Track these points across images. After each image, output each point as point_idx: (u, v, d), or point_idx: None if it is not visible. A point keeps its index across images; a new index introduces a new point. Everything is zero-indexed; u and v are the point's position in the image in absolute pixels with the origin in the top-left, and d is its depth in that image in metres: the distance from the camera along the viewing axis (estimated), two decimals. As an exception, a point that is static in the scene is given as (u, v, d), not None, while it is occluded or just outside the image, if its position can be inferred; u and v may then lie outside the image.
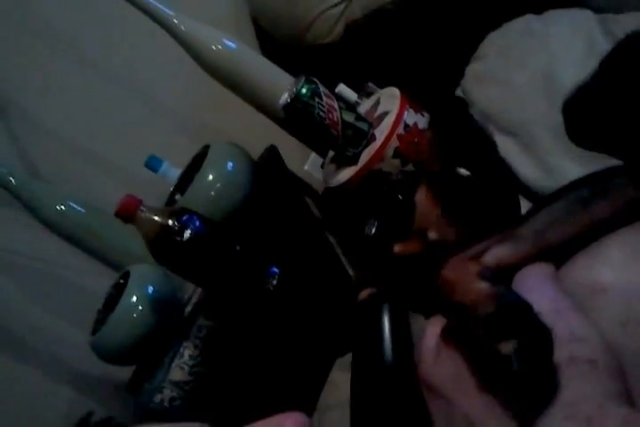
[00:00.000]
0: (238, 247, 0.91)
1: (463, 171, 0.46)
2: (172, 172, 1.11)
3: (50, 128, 1.22)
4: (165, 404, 0.91)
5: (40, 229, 1.04)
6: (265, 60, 1.12)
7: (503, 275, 0.46)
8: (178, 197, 1.05)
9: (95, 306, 1.01)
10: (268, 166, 1.10)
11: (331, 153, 1.11)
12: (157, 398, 0.91)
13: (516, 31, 0.94)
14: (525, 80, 0.86)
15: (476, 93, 0.91)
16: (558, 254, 0.48)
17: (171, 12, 1.03)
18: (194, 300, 1.00)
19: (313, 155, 1.41)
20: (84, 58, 1.28)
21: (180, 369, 0.92)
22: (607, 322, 0.43)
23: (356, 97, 1.13)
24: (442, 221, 0.50)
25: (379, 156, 0.96)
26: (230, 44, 1.06)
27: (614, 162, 0.50)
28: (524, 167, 0.82)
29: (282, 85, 1.03)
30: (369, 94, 1.12)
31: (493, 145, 0.47)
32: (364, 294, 0.62)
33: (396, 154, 0.95)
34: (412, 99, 1.00)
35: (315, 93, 0.97)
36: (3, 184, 1.02)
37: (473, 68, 0.96)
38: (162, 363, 0.93)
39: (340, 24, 1.27)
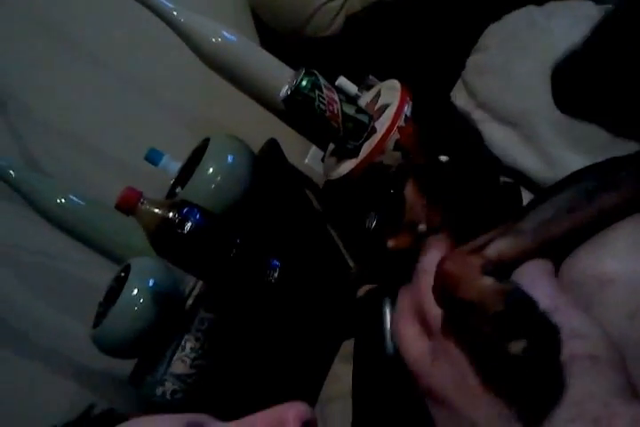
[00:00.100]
0: (239, 240, 0.91)
1: (443, 157, 0.45)
2: (173, 165, 1.11)
3: (50, 121, 1.21)
4: (167, 397, 0.91)
5: (40, 223, 1.04)
6: (265, 52, 1.11)
7: (505, 269, 0.45)
8: (178, 190, 1.05)
9: (96, 299, 1.01)
10: (269, 159, 1.10)
11: (331, 146, 1.10)
12: (159, 390, 0.91)
13: (517, 22, 0.94)
14: (526, 71, 0.86)
15: (477, 85, 0.91)
16: (561, 248, 0.47)
17: (170, 5, 1.02)
18: (195, 292, 1.00)
19: (313, 148, 1.41)
20: (84, 51, 1.28)
21: (181, 362, 0.92)
22: (614, 314, 0.42)
23: (356, 89, 1.12)
24: (429, 212, 0.50)
25: (379, 148, 0.96)
26: (230, 36, 1.06)
27: (617, 153, 0.50)
28: (526, 158, 0.82)
29: (282, 78, 1.03)
30: (369, 87, 1.12)
31: (477, 133, 0.46)
32: (363, 289, 0.62)
33: (397, 146, 0.94)
34: (413, 91, 1.00)
35: (315, 86, 0.97)
36: (3, 177, 1.02)
37: (474, 60, 0.96)
38: (163, 356, 0.94)
39: (340, 17, 1.27)
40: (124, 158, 1.27)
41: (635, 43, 0.45)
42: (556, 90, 0.49)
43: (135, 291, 0.94)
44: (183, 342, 0.93)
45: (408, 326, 0.47)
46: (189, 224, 0.87)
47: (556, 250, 0.47)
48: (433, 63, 1.12)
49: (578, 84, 0.48)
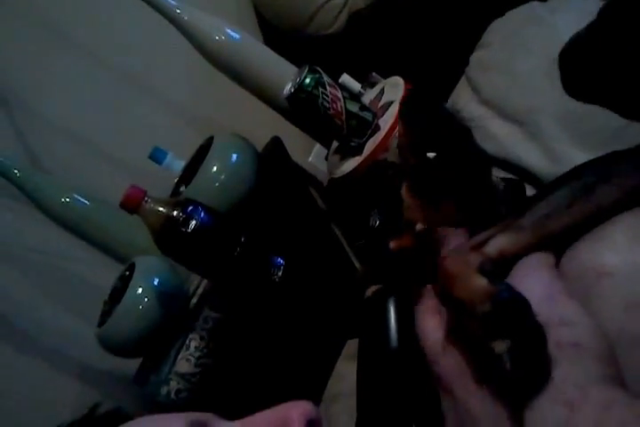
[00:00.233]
0: (243, 238, 0.90)
1: (431, 154, 0.45)
2: (177, 163, 1.11)
3: (54, 120, 1.21)
4: (172, 396, 0.91)
5: (45, 222, 1.04)
6: (268, 50, 1.11)
7: (505, 265, 0.46)
8: (182, 188, 1.05)
9: (101, 298, 1.01)
10: (273, 158, 1.10)
11: (335, 144, 1.10)
12: (164, 390, 0.91)
13: (520, 18, 0.94)
14: (530, 67, 0.85)
15: (480, 81, 0.91)
16: (562, 243, 0.47)
17: (174, 2, 1.02)
18: (199, 291, 1.00)
19: (317, 146, 1.41)
20: (88, 50, 1.28)
21: (186, 361, 0.92)
22: (611, 307, 0.43)
23: (359, 87, 1.12)
24: (424, 209, 0.50)
25: (383, 146, 0.95)
26: (234, 34, 1.05)
27: (621, 148, 0.50)
28: (530, 155, 0.82)
29: (285, 76, 1.02)
30: (373, 84, 1.12)
31: (466, 130, 0.46)
32: (370, 291, 0.62)
33: (401, 144, 0.94)
34: (416, 88, 0.99)
35: (318, 83, 0.97)
36: (7, 176, 1.02)
37: (477, 56, 0.96)
38: (168, 355, 0.93)
39: (344, 14, 1.27)
40: (128, 157, 1.27)
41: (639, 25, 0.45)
42: (564, 74, 0.49)
43: (140, 290, 0.94)
44: (188, 341, 0.93)
45: (429, 318, 0.48)
46: (194, 223, 0.87)
47: (557, 245, 0.47)
48: (436, 60, 1.11)
49: (585, 68, 0.48)
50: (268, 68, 1.09)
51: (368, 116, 1.00)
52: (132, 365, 1.04)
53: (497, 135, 0.85)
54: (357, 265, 1.08)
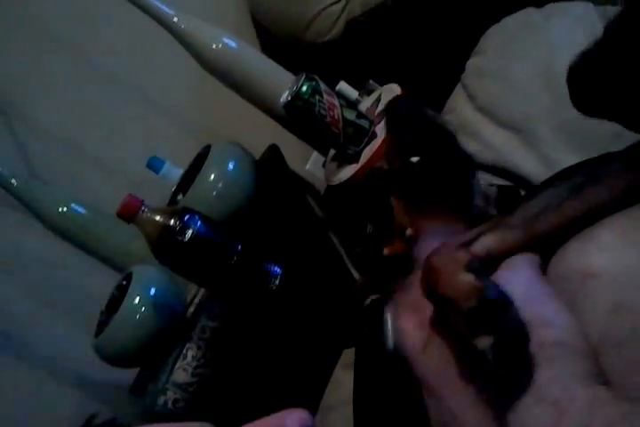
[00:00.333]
0: (240, 247, 0.90)
1: (414, 158, 0.46)
2: (174, 172, 1.11)
3: (51, 129, 1.21)
4: (169, 406, 0.90)
5: (42, 231, 1.04)
6: (265, 58, 1.11)
7: (493, 263, 0.46)
8: (180, 197, 1.04)
9: (98, 308, 1.00)
10: (270, 166, 1.10)
11: (332, 151, 1.10)
12: (161, 400, 0.91)
13: (516, 25, 0.94)
14: (526, 74, 0.85)
15: (476, 88, 0.91)
16: (551, 243, 0.47)
17: (171, 11, 1.02)
18: (196, 300, 0.99)
19: (315, 154, 1.40)
20: (86, 59, 1.28)
21: (183, 371, 0.91)
22: (597, 308, 0.43)
23: (356, 94, 1.12)
24: (411, 214, 0.50)
25: (380, 153, 0.95)
26: (230, 42, 1.05)
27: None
28: (525, 161, 0.82)
29: (282, 83, 1.02)
30: (370, 92, 1.11)
31: (451, 135, 0.46)
32: (369, 300, 0.62)
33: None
34: (413, 95, 0.99)
35: (315, 91, 0.97)
36: (4, 186, 1.02)
37: (473, 63, 0.95)
38: (165, 365, 0.93)
39: (341, 21, 1.27)
40: (125, 166, 1.27)
41: None
42: (572, 90, 0.49)
43: (137, 299, 0.94)
44: (185, 351, 0.92)
45: (408, 318, 0.48)
46: (190, 232, 0.87)
47: (546, 245, 0.47)
48: (433, 67, 1.11)
49: (594, 85, 0.48)
50: (265, 77, 1.09)
51: (365, 123, 0.99)
52: (129, 375, 1.03)
53: (493, 142, 0.84)
54: (355, 273, 1.08)
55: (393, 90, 1.03)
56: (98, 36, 1.28)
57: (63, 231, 1.05)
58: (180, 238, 0.86)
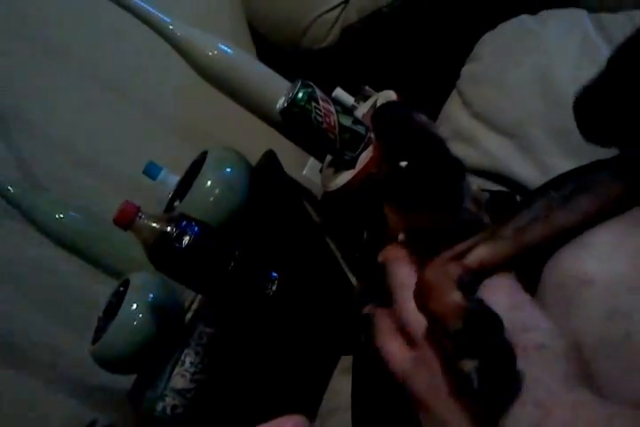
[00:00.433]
0: (237, 253, 0.90)
1: (402, 163, 0.45)
2: (171, 178, 1.11)
3: (48, 136, 1.22)
4: (167, 412, 0.90)
5: (39, 238, 1.04)
6: (261, 65, 1.11)
7: (485, 276, 0.46)
8: (177, 203, 1.05)
9: (95, 314, 1.00)
10: (267, 172, 1.10)
11: (329, 157, 1.10)
12: (159, 406, 0.90)
13: (510, 31, 0.94)
14: (521, 80, 0.85)
15: (472, 94, 0.91)
16: (543, 252, 0.47)
17: (166, 19, 1.03)
18: (194, 306, 0.99)
19: (311, 159, 1.41)
20: (82, 66, 1.28)
21: (181, 377, 0.91)
22: (592, 315, 0.43)
23: (352, 101, 1.13)
24: (403, 220, 0.50)
25: (376, 159, 0.95)
26: (226, 49, 1.06)
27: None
28: (521, 168, 0.82)
29: (278, 90, 1.03)
30: (366, 98, 1.12)
31: (439, 139, 0.46)
32: (367, 309, 0.62)
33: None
34: (409, 101, 1.00)
35: (311, 98, 0.97)
36: (1, 193, 1.02)
37: (468, 69, 0.96)
38: (163, 371, 0.93)
39: (337, 28, 1.27)
40: (122, 173, 1.27)
41: None
42: (579, 120, 0.49)
43: (134, 306, 0.94)
44: (183, 357, 0.92)
45: (391, 342, 0.48)
46: (187, 238, 0.87)
47: (538, 255, 0.47)
48: (429, 73, 1.12)
49: (600, 114, 0.48)
50: (261, 83, 1.09)
51: (361, 129, 1.00)
52: (127, 381, 1.03)
53: (489, 148, 0.84)
54: (352, 279, 1.08)
55: (389, 96, 1.04)
56: (96, 45, 1.29)
57: (60, 238, 1.05)
58: (177, 245, 0.86)
